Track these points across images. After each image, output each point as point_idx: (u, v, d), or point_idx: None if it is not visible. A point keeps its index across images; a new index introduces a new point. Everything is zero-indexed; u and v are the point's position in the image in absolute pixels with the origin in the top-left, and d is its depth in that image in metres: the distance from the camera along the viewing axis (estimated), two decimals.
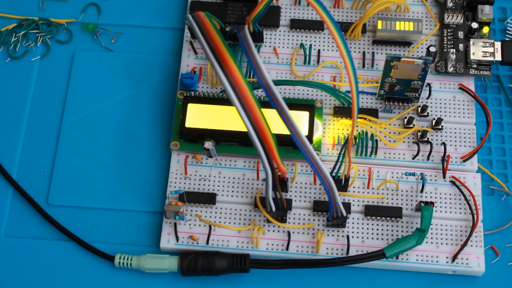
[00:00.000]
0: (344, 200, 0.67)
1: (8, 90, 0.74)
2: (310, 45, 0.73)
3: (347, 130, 0.70)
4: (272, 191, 0.63)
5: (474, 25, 0.71)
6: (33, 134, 0.72)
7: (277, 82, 0.71)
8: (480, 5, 0.72)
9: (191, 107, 0.69)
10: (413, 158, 0.69)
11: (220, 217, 0.67)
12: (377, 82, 0.71)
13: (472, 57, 0.71)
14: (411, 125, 0.69)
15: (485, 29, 0.72)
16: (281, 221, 0.66)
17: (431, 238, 0.66)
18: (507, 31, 0.76)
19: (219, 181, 0.68)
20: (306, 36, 0.74)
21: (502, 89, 0.74)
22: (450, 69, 0.71)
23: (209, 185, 0.68)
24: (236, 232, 0.66)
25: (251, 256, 0.65)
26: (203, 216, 0.67)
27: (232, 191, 0.68)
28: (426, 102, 0.71)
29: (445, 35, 0.73)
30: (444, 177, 0.68)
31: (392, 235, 0.66)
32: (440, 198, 0.68)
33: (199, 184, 0.68)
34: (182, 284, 0.66)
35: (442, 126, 0.69)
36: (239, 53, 0.73)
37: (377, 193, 0.68)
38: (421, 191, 0.67)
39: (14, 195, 0.70)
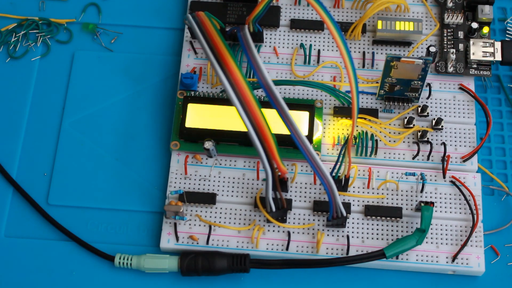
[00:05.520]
0: (344, 200, 0.67)
1: (8, 90, 0.74)
2: (310, 45, 0.73)
3: (347, 130, 0.70)
4: (272, 191, 0.63)
5: (474, 25, 0.71)
6: (33, 134, 0.72)
7: (277, 82, 0.71)
8: (480, 5, 0.72)
9: (191, 107, 0.69)
10: (413, 158, 0.69)
11: (220, 217, 0.67)
12: (377, 82, 0.71)
13: (472, 57, 0.71)
14: (411, 125, 0.69)
15: (485, 29, 0.72)
16: (281, 221, 0.66)
17: (431, 238, 0.66)
18: (507, 31, 0.76)
19: (219, 181, 0.68)
20: (306, 36, 0.74)
21: (502, 89, 0.74)
22: (450, 69, 0.71)
23: (209, 185, 0.68)
24: (236, 232, 0.66)
25: (251, 256, 0.65)
26: (203, 216, 0.67)
27: (232, 191, 0.68)
28: (426, 102, 0.71)
29: (445, 35, 0.73)
30: (444, 177, 0.68)
31: (392, 235, 0.66)
32: (440, 198, 0.67)
33: (199, 184, 0.68)
34: (182, 284, 0.66)
35: (442, 126, 0.69)
36: (239, 53, 0.73)
37: (377, 193, 0.68)
38: (421, 191, 0.67)
39: (14, 195, 0.70)
